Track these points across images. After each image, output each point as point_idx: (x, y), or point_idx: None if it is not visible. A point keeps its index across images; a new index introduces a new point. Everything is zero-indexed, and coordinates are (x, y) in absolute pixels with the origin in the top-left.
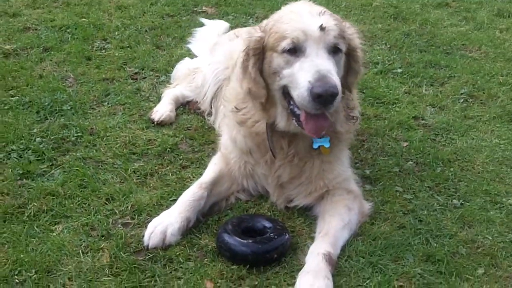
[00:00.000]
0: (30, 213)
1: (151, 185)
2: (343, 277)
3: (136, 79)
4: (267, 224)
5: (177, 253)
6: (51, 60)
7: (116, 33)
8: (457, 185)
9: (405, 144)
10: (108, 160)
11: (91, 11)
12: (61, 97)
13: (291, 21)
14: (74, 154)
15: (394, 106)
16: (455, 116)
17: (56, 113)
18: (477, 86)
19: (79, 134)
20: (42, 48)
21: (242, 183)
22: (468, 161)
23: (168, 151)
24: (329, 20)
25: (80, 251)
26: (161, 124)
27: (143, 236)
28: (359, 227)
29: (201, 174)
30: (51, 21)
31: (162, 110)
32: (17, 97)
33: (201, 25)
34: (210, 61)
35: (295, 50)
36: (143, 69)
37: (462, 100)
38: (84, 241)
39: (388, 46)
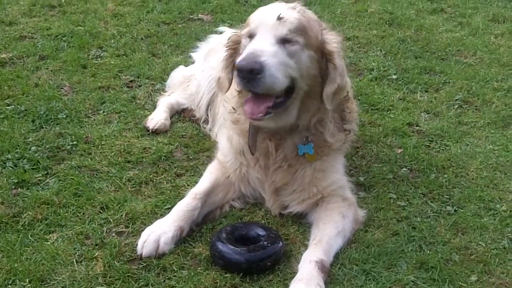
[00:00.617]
0: (25, 222)
1: (145, 193)
2: (336, 284)
3: (132, 87)
4: (261, 232)
5: (171, 262)
6: (47, 69)
7: (112, 41)
8: (451, 191)
9: (399, 150)
10: (103, 169)
11: (87, 19)
12: (56, 106)
13: (259, 13)
14: (69, 162)
15: (388, 112)
16: (449, 122)
17: (52, 121)
18: (472, 92)
19: (74, 142)
20: (38, 57)
21: (239, 188)
22: (462, 167)
23: (163, 159)
24: (292, 13)
25: (74, 260)
26: (156, 132)
27: (136, 245)
28: (352, 235)
29: (195, 182)
30: (47, 29)
31: (157, 118)
32: (13, 106)
33: (200, 32)
34: (204, 67)
35: (251, 37)
36: (138, 77)
37: (456, 106)
38: (78, 250)
39: (383, 52)
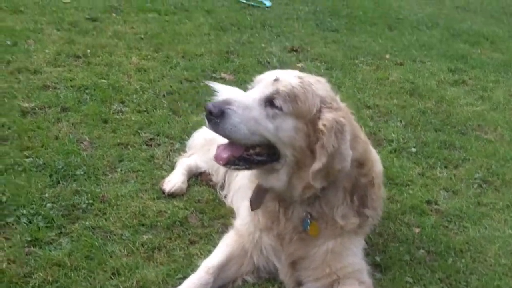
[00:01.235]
0: (35, 283)
1: (158, 260)
2: None
3: (151, 145)
4: None
5: None
6: (68, 121)
7: (134, 96)
8: (468, 278)
9: (417, 230)
10: (117, 231)
11: (111, 72)
12: (75, 161)
13: (267, 73)
14: (83, 222)
15: (407, 188)
16: (468, 202)
17: (69, 177)
18: (492, 171)
19: (90, 201)
20: (60, 108)
21: (252, 258)
22: (480, 252)
23: (178, 224)
24: (291, 80)
25: None
26: (172, 195)
27: None
28: None
29: (209, 252)
30: (70, 80)
31: (174, 180)
32: (31, 159)
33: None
34: None
35: None
36: (158, 135)
37: (476, 185)
38: None
39: (403, 123)
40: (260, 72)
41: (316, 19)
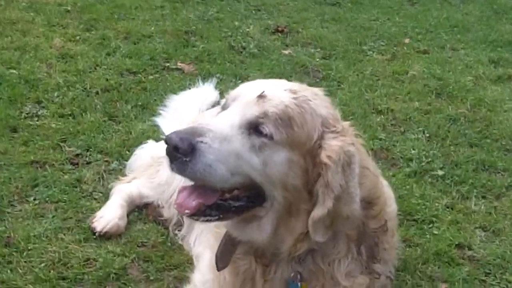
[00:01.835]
0: None
1: None
2: None
3: (77, 164)
4: None
5: None
6: None
7: (56, 93)
8: None
9: (443, 286)
10: (27, 287)
11: (24, 60)
12: None
13: (245, 84)
14: None
15: (431, 226)
16: None
17: None
18: None
19: None
20: None
21: None
22: None
23: (113, 278)
24: (282, 96)
25: None
26: (105, 236)
27: None
28: None
29: None
30: None
31: (109, 216)
32: None
33: (178, 90)
34: None
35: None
36: (87, 150)
37: None
38: None
39: (427, 135)
40: (232, 62)
41: None
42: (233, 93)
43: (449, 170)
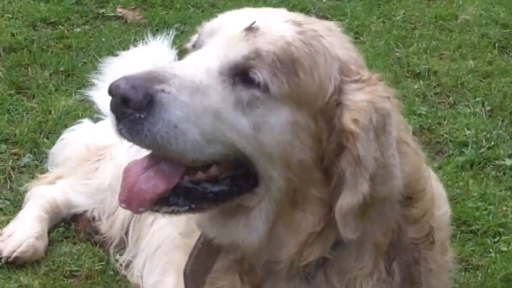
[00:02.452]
0: None
1: None
2: None
3: None
4: None
5: None
6: None
7: None
8: None
9: None
10: None
11: None
12: None
13: (226, 14)
14: None
15: (496, 240)
16: None
17: None
18: None
19: None
20: None
21: None
22: None
23: None
24: (282, 28)
25: None
26: (15, 262)
27: None
28: None
29: None
30: None
31: (21, 234)
32: None
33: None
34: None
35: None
36: None
37: None
38: None
39: (488, 108)
40: (197, 6)
41: None
42: (208, 26)
43: None
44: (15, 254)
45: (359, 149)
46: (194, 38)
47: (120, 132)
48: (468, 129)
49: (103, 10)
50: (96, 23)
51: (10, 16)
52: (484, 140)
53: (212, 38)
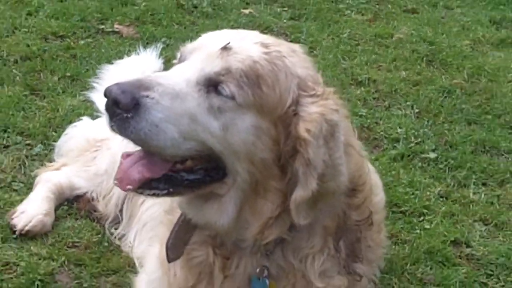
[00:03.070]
0: None
1: None
2: None
3: None
4: None
5: None
6: None
7: None
8: None
9: None
10: None
11: None
12: None
13: (208, 34)
14: None
15: (421, 220)
16: None
17: None
18: None
19: None
20: None
21: None
22: None
23: (38, 285)
24: (252, 49)
25: None
26: (27, 235)
27: None
28: None
29: None
30: None
31: (32, 211)
32: None
33: (115, 57)
34: None
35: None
36: (5, 131)
37: None
38: None
39: (416, 110)
40: (181, 23)
41: None
42: (191, 45)
43: (443, 153)
44: (27, 228)
45: (310, 154)
46: (178, 54)
47: (112, 128)
48: (399, 127)
49: (103, 26)
50: (97, 37)
51: (26, 30)
52: (412, 137)
53: (193, 55)
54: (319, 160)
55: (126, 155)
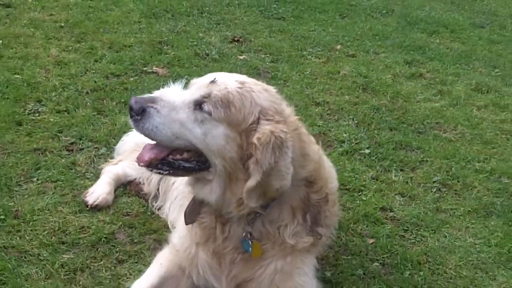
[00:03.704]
0: None
1: (80, 282)
2: None
3: (72, 150)
4: None
5: None
6: None
7: (53, 94)
8: None
9: (371, 241)
10: (33, 250)
11: (26, 67)
12: None
13: (208, 74)
14: None
15: (360, 194)
16: (426, 208)
17: None
18: (451, 174)
19: (2, 217)
20: None
21: (191, 277)
22: (439, 263)
23: (103, 241)
24: (229, 83)
25: None
26: (96, 208)
27: None
28: None
29: (139, 271)
30: None
31: (99, 191)
32: None
33: (153, 88)
34: None
35: None
36: (80, 139)
37: (434, 190)
38: None
39: (356, 121)
40: (198, 66)
41: (260, 5)
42: (194, 79)
43: (374, 149)
44: (95, 203)
45: (258, 155)
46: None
47: (131, 124)
48: (345, 133)
49: (145, 68)
50: (141, 76)
51: (93, 71)
52: (353, 139)
53: (192, 86)
54: (265, 162)
55: (146, 145)
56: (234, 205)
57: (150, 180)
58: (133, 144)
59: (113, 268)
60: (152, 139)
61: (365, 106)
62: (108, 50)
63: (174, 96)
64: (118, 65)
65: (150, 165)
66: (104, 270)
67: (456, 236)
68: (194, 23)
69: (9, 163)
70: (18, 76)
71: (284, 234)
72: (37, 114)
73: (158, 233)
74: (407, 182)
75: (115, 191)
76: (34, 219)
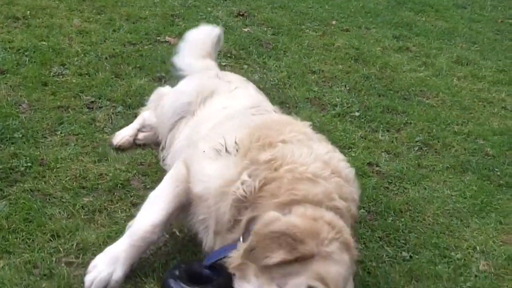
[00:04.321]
0: None
1: (99, 222)
2: None
3: (92, 108)
4: (215, 271)
5: None
6: (6, 83)
7: (75, 59)
8: (407, 236)
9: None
10: (57, 194)
11: (52, 35)
12: (13, 124)
13: None
14: (22, 185)
15: (349, 150)
16: (409, 164)
17: (7, 140)
18: (432, 135)
19: (29, 164)
20: None
21: None
22: (419, 212)
23: (119, 187)
24: None
25: None
26: (119, 148)
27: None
28: None
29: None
30: (9, 42)
31: (123, 133)
32: None
33: (166, 56)
34: (175, 88)
35: None
36: (99, 98)
37: (416, 148)
38: (25, 280)
39: (348, 88)
40: None
41: None
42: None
43: (363, 112)
44: (120, 143)
45: None
46: None
47: None
48: (337, 98)
49: (159, 38)
50: (155, 44)
51: (112, 40)
52: (345, 103)
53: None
54: None
55: None
56: None
57: (162, 130)
58: (157, 95)
59: (128, 210)
60: None
61: (356, 74)
62: (125, 22)
63: None
64: (134, 35)
65: None
66: (120, 212)
67: (435, 189)
68: None
69: (36, 118)
70: (44, 42)
71: None
72: (61, 76)
73: None
74: (392, 141)
75: (136, 135)
76: (58, 166)
